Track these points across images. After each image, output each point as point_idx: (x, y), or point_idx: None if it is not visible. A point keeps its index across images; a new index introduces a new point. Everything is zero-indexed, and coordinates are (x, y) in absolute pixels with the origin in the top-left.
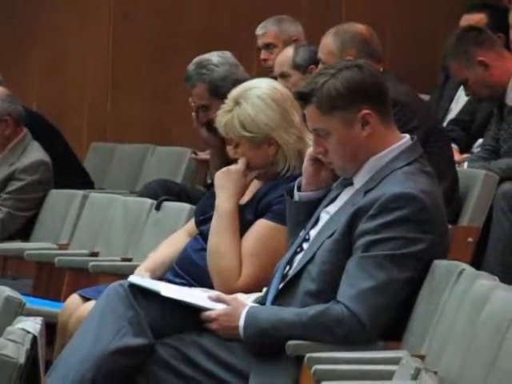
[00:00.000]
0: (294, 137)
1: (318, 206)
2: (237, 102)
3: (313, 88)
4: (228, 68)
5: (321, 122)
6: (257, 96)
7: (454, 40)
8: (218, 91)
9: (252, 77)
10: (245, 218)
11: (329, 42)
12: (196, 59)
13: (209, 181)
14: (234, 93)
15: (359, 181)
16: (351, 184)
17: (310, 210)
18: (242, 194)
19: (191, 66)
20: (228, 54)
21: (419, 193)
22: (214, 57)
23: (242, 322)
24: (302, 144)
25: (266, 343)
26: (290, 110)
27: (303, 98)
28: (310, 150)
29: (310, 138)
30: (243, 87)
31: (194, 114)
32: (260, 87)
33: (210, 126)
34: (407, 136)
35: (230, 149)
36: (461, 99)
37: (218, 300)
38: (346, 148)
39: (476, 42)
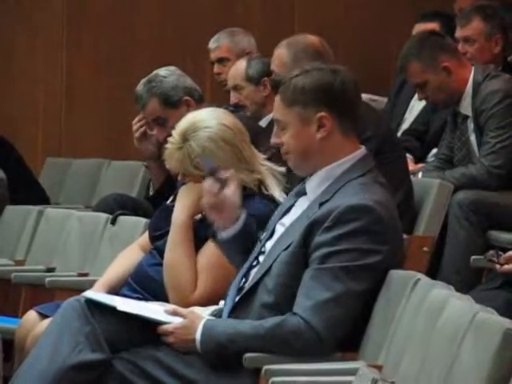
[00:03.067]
0: (245, 172)
1: (247, 235)
2: (185, 139)
3: (283, 79)
4: (176, 77)
5: (281, 114)
6: (207, 137)
7: (416, 43)
8: (171, 100)
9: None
10: (201, 233)
11: (282, 53)
12: (142, 80)
13: (150, 193)
14: (182, 128)
15: (312, 191)
16: (305, 194)
17: (240, 242)
18: (200, 211)
19: (139, 86)
20: (173, 68)
21: (374, 204)
22: (160, 71)
23: (198, 335)
24: (255, 174)
25: (223, 356)
26: (241, 145)
27: (276, 85)
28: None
29: (260, 163)
30: (191, 123)
31: (139, 133)
32: (209, 126)
33: (145, 136)
34: (363, 147)
35: (179, 177)
36: (415, 109)
37: (174, 313)
38: (299, 145)
39: (441, 46)
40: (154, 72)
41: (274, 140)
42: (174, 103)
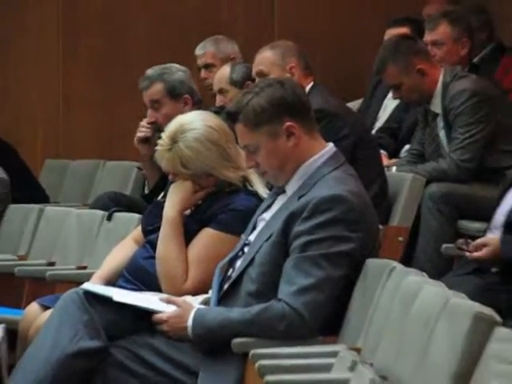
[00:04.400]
0: (231, 169)
1: None
2: (174, 141)
3: (239, 107)
4: (186, 76)
5: (249, 139)
6: (194, 138)
7: (391, 47)
8: (174, 92)
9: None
10: (191, 227)
11: (269, 55)
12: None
13: (146, 191)
14: (171, 130)
15: (291, 188)
16: (284, 192)
17: None
18: (189, 207)
19: (151, 70)
20: (186, 68)
21: (347, 194)
22: (175, 65)
23: (190, 323)
24: (240, 171)
25: (213, 342)
26: (226, 145)
27: (232, 117)
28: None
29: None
30: (179, 125)
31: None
32: (196, 128)
33: (146, 140)
34: (331, 144)
35: (170, 177)
36: (388, 108)
37: (168, 301)
38: (275, 159)
39: (414, 50)
40: (170, 64)
41: (248, 164)
42: (175, 95)
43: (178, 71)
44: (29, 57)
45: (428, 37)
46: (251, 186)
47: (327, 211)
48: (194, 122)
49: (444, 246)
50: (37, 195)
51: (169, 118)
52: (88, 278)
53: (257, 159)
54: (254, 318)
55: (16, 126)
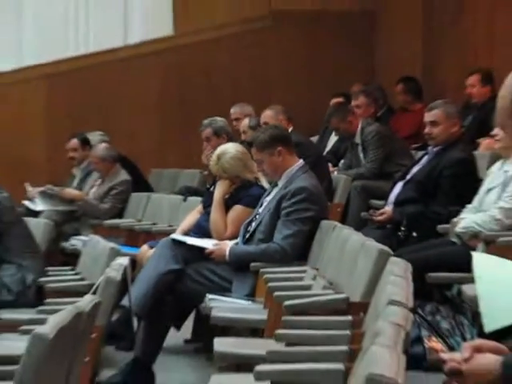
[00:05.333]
0: (249, 173)
1: None
2: (219, 159)
3: (254, 140)
4: (225, 123)
5: (259, 156)
6: (229, 157)
7: (334, 108)
8: (217, 132)
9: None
10: (228, 204)
11: (269, 113)
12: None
13: (207, 186)
14: (217, 153)
15: (280, 183)
16: (276, 185)
17: None
18: (226, 194)
19: (205, 120)
20: (224, 119)
21: (310, 186)
22: (219, 119)
23: (227, 253)
24: (254, 174)
25: (239, 264)
26: (245, 160)
27: (250, 145)
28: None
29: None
30: (221, 150)
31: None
32: (231, 152)
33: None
34: (301, 160)
35: (217, 178)
36: (331, 140)
37: (216, 244)
38: (271, 167)
39: (346, 110)
40: (216, 117)
41: (258, 170)
42: (218, 134)
43: (220, 121)
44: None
45: (353, 103)
46: (260, 182)
47: (299, 195)
48: (229, 148)
49: (362, 213)
50: (147, 188)
51: (215, 147)
52: (174, 231)
53: (263, 167)
54: (261, 252)
55: (126, 141)
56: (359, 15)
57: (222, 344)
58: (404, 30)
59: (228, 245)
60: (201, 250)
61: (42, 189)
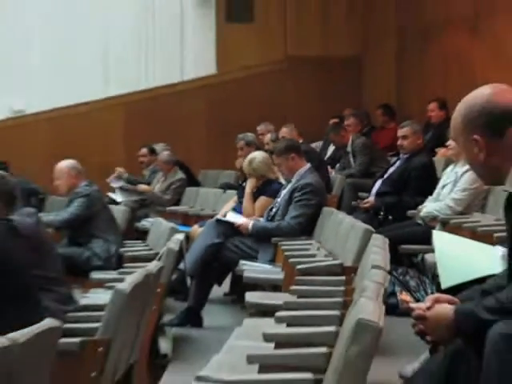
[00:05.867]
0: (271, 173)
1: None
2: (250, 163)
3: (275, 148)
4: (254, 137)
5: (278, 160)
6: (258, 161)
7: (331, 127)
8: (248, 144)
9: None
10: (255, 195)
11: (285, 129)
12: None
13: (240, 182)
14: (248, 158)
15: (293, 180)
16: (290, 181)
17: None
18: (255, 188)
19: (240, 134)
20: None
21: (314, 182)
22: (249, 133)
23: (250, 227)
24: (275, 174)
25: (261, 236)
26: (269, 163)
27: (272, 152)
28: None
29: (276, 171)
30: (251, 156)
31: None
32: (258, 158)
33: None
34: (308, 164)
35: (247, 176)
36: (329, 150)
37: (245, 220)
38: (287, 169)
39: (340, 127)
40: (247, 133)
41: (278, 169)
42: (249, 145)
43: (250, 135)
44: None
45: (346, 122)
46: (279, 180)
47: (306, 188)
48: (257, 155)
49: (352, 202)
50: (197, 184)
51: (246, 154)
52: (216, 215)
53: (281, 169)
54: (275, 227)
55: (185, 152)
56: (350, 59)
57: (251, 296)
58: (382, 69)
59: (252, 221)
60: (236, 227)
61: (121, 185)
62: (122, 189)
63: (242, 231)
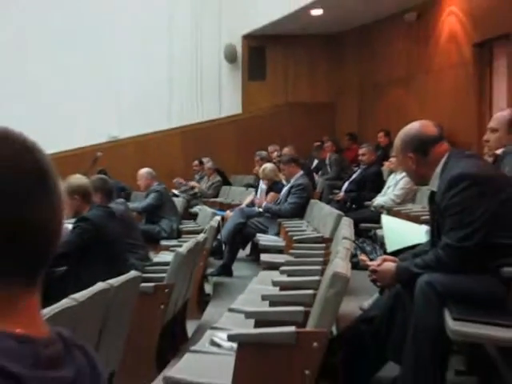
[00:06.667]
0: (278, 177)
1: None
2: (263, 170)
3: (282, 160)
4: (266, 155)
5: (283, 167)
6: (268, 170)
7: (315, 148)
8: (262, 159)
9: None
10: (267, 192)
11: (287, 149)
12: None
13: (256, 183)
14: (262, 168)
15: (291, 182)
16: (289, 182)
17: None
18: (267, 186)
19: (257, 152)
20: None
21: (304, 183)
22: (263, 152)
23: (263, 206)
24: (280, 177)
25: (266, 211)
26: (277, 172)
27: (280, 161)
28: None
29: (281, 176)
30: (264, 166)
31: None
32: (269, 167)
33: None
34: (301, 171)
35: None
36: (314, 162)
37: (262, 200)
38: (288, 174)
39: (321, 148)
40: (261, 151)
41: (282, 174)
42: (262, 159)
43: (263, 153)
44: None
45: (325, 145)
46: (282, 181)
47: (298, 186)
48: (267, 165)
49: (329, 196)
50: (229, 184)
51: (261, 165)
52: (241, 204)
53: (284, 173)
54: (277, 209)
55: (221, 163)
56: (328, 104)
57: (264, 256)
58: (348, 110)
59: (264, 202)
60: (254, 214)
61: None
62: (180, 187)
63: (259, 204)
